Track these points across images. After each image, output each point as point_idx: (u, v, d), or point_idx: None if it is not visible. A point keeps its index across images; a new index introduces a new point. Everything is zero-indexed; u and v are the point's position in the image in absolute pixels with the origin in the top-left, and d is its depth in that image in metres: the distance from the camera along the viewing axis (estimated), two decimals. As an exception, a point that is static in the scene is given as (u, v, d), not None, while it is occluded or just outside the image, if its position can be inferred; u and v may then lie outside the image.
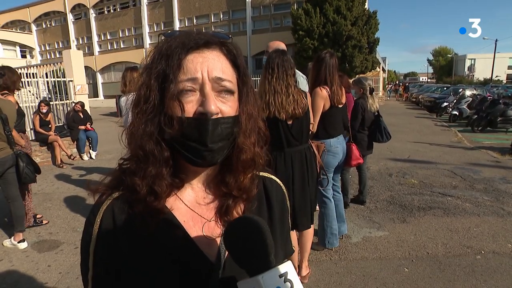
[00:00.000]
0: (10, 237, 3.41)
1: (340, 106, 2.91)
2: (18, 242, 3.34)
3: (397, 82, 40.34)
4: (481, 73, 51.37)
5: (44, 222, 3.93)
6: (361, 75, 14.37)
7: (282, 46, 2.90)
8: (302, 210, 2.42)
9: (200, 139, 0.56)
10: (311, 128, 2.56)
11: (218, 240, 0.63)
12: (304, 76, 3.17)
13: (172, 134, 0.56)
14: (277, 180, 0.77)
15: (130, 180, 0.58)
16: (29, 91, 7.94)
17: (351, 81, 4.87)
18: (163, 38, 0.63)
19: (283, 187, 0.78)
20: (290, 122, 2.31)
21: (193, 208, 0.64)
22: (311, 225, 2.59)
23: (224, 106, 0.58)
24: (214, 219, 0.65)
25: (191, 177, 0.64)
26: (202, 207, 0.65)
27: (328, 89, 2.81)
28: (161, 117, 0.57)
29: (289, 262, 0.51)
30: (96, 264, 0.60)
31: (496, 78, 43.37)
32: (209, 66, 0.57)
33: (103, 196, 0.62)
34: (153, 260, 0.59)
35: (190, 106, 0.56)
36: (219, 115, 0.57)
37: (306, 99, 2.37)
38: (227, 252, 0.61)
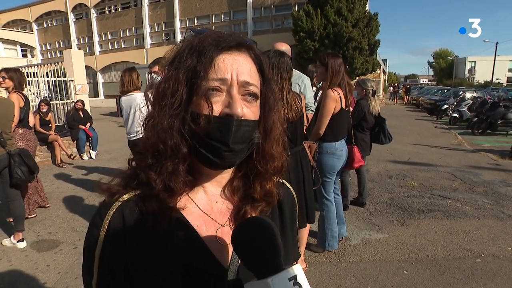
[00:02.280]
0: (9, 236, 3.41)
1: (347, 108, 2.91)
2: (17, 242, 3.33)
3: (396, 84, 36.61)
4: (481, 75, 51.35)
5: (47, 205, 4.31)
6: (362, 77, 14.37)
7: (287, 47, 2.88)
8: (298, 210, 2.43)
9: (222, 139, 0.55)
10: (304, 131, 2.57)
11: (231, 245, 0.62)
12: (309, 78, 3.16)
13: (197, 131, 0.56)
14: (287, 184, 0.77)
15: (145, 175, 0.57)
16: (30, 90, 7.94)
17: (352, 82, 4.88)
18: (191, 33, 0.63)
19: (293, 192, 0.78)
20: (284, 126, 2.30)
21: (206, 212, 0.63)
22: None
23: (246, 110, 0.58)
24: (228, 224, 0.64)
25: (204, 180, 0.63)
26: (215, 211, 0.64)
27: (341, 92, 2.81)
28: (187, 113, 0.57)
29: (299, 265, 0.50)
30: (102, 268, 0.58)
31: (497, 81, 43.37)
32: (239, 69, 0.57)
33: (115, 196, 0.60)
34: (163, 264, 0.57)
35: (216, 106, 0.56)
36: (242, 117, 0.57)
37: (301, 103, 2.38)
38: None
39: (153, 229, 0.57)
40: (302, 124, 2.44)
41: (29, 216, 3.95)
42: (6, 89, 3.77)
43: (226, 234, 0.63)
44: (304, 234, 2.76)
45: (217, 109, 0.56)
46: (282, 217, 0.73)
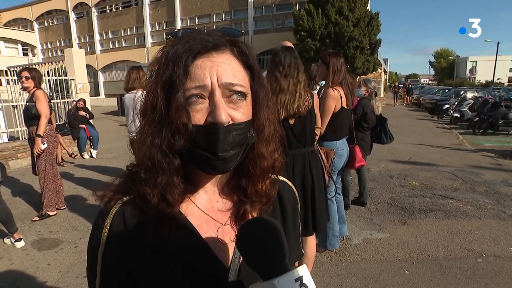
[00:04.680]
0: (9, 235, 3.40)
1: (348, 108, 2.90)
2: (15, 241, 3.33)
3: (396, 83, 32.44)
4: (482, 75, 51.37)
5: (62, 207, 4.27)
6: (364, 77, 14.33)
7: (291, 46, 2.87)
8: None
9: (210, 148, 0.53)
10: (317, 133, 2.46)
11: (233, 244, 0.61)
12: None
13: (179, 146, 0.54)
14: (289, 182, 0.77)
15: (140, 189, 0.56)
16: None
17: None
18: (169, 38, 0.62)
19: (295, 190, 0.77)
20: (292, 122, 2.21)
21: (207, 212, 0.62)
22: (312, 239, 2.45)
23: (235, 113, 0.55)
24: (229, 223, 0.63)
25: (204, 181, 0.62)
26: (216, 211, 0.63)
27: (342, 91, 2.79)
28: (168, 128, 0.54)
29: (304, 266, 0.50)
30: (105, 269, 0.58)
31: (498, 81, 43.31)
32: (219, 71, 0.54)
33: (111, 201, 0.60)
34: (165, 265, 0.57)
35: (200, 115, 0.54)
36: (230, 122, 0.54)
37: (313, 99, 2.28)
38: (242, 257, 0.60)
39: (154, 229, 0.56)
40: (312, 123, 2.31)
41: (44, 213, 4.01)
42: (25, 88, 3.92)
43: (227, 233, 0.62)
44: (310, 248, 2.43)
45: (201, 118, 0.53)
46: (284, 215, 0.72)
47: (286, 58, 2.18)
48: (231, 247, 0.61)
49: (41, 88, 3.96)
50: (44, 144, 3.83)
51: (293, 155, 2.28)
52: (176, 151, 0.55)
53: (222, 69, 0.54)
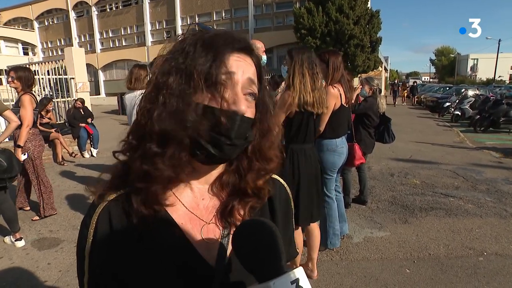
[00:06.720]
0: (10, 234, 3.40)
1: (347, 105, 2.90)
2: (15, 240, 3.33)
3: (395, 81, 28.39)
4: (484, 73, 51.24)
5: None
6: (365, 75, 14.30)
7: (261, 44, 2.88)
8: (305, 206, 2.41)
9: (227, 133, 0.56)
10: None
11: (218, 243, 0.61)
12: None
13: (203, 123, 0.55)
14: (281, 180, 0.76)
15: (150, 164, 0.55)
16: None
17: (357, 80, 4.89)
18: (196, 27, 0.63)
19: (287, 188, 0.77)
20: (303, 118, 2.36)
21: (191, 209, 0.62)
22: (315, 223, 2.63)
23: (247, 109, 0.60)
24: (214, 221, 0.63)
25: (191, 177, 0.62)
26: (201, 208, 0.63)
27: (341, 88, 2.79)
28: (196, 105, 0.55)
29: (301, 268, 0.50)
30: (92, 267, 0.59)
31: (499, 78, 43.22)
32: (245, 68, 0.60)
33: (101, 197, 0.61)
34: (151, 264, 0.57)
35: (223, 101, 0.57)
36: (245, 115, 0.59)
37: None
38: (227, 255, 0.60)
39: (138, 227, 0.56)
40: (318, 121, 2.52)
41: (46, 215, 3.96)
42: (16, 88, 3.67)
43: (211, 231, 0.62)
44: (315, 234, 2.67)
45: (223, 104, 0.56)
46: (274, 214, 0.72)
47: (309, 61, 2.29)
48: (216, 245, 0.61)
49: (29, 92, 3.59)
50: (24, 154, 3.53)
51: (298, 149, 2.42)
52: (192, 129, 0.55)
53: (247, 68, 0.60)
